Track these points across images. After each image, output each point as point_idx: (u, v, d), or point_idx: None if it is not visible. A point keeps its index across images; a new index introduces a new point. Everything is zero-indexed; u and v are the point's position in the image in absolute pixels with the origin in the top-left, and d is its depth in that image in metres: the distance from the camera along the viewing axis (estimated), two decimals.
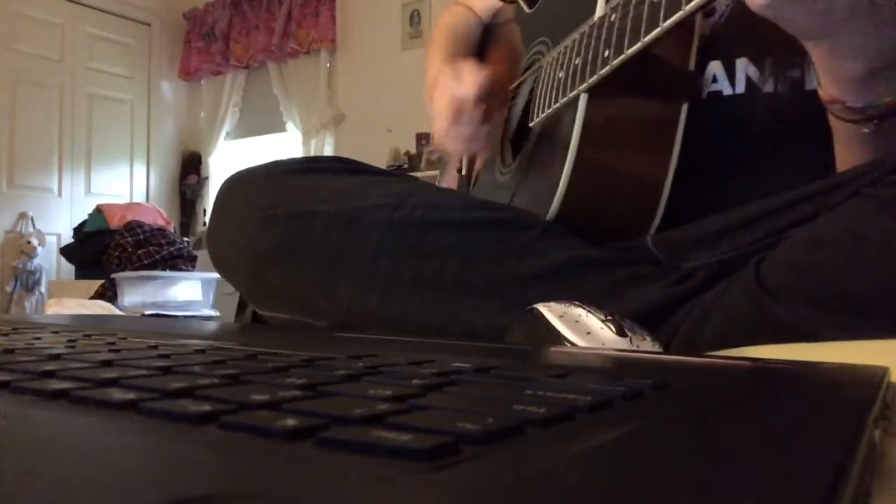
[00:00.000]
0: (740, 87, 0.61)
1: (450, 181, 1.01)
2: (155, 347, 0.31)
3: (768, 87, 0.60)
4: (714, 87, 0.62)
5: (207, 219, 0.77)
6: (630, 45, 0.54)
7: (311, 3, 4.02)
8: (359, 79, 3.92)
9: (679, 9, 0.49)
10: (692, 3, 0.48)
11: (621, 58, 0.56)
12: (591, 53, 0.60)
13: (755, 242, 0.52)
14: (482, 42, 0.99)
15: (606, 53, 0.57)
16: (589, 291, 0.54)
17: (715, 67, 0.62)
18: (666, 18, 0.51)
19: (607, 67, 0.57)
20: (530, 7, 0.83)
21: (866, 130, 0.49)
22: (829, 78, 0.48)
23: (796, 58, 0.59)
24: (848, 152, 0.53)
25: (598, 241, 0.61)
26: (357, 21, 3.94)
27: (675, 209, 0.61)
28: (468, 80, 0.74)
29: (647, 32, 0.53)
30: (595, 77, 0.59)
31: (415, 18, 3.71)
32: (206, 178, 4.52)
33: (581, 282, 0.56)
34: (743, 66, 0.61)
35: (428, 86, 0.88)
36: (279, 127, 4.25)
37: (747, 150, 0.61)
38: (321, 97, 4.03)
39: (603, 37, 0.58)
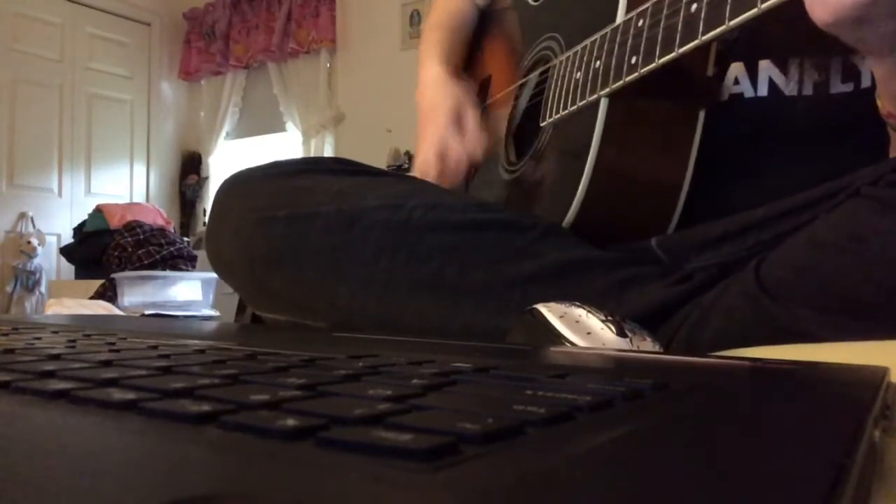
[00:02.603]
0: (763, 90, 0.60)
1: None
2: (155, 347, 0.31)
3: (791, 90, 0.60)
4: (736, 90, 0.61)
5: (207, 218, 0.77)
6: (662, 55, 0.54)
7: (311, 3, 4.02)
8: (359, 79, 3.92)
9: (722, 23, 0.48)
10: (736, 20, 0.47)
11: (651, 66, 0.55)
12: (614, 59, 0.59)
13: (757, 245, 0.52)
14: (479, 27, 0.98)
15: (633, 60, 0.57)
16: (589, 292, 0.54)
17: (737, 69, 0.61)
18: (706, 32, 0.49)
19: (634, 74, 0.56)
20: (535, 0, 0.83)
21: None
22: (885, 93, 0.48)
23: (821, 60, 0.58)
24: None
25: (614, 243, 0.61)
26: (357, 21, 3.94)
27: (696, 210, 0.61)
28: (460, 156, 0.80)
29: (683, 44, 0.52)
30: (620, 83, 0.58)
31: (415, 18, 3.71)
32: (206, 178, 4.52)
33: (581, 283, 0.56)
34: (766, 69, 0.60)
35: (420, 85, 0.89)
36: (279, 127, 4.25)
37: (769, 152, 0.61)
38: (321, 97, 4.03)
39: (629, 43, 0.57)
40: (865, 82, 0.57)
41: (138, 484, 0.12)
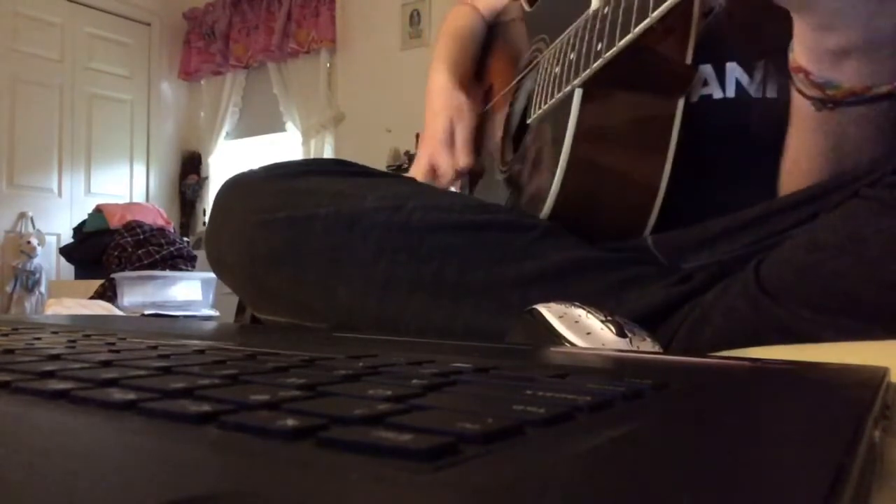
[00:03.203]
0: (730, 91, 0.61)
1: None
2: (155, 347, 0.31)
3: (757, 92, 0.60)
4: (705, 91, 0.62)
5: (207, 219, 0.78)
6: (621, 37, 0.54)
7: (311, 3, 4.02)
8: (359, 79, 3.92)
9: None
10: None
11: (613, 50, 0.55)
12: (584, 48, 0.60)
13: (755, 244, 0.52)
14: (487, 40, 0.99)
15: (599, 47, 0.57)
16: (589, 292, 0.54)
17: (706, 71, 0.62)
18: (655, 8, 0.50)
19: (600, 60, 0.57)
20: (530, 6, 0.83)
21: (814, 109, 0.49)
22: (802, 45, 0.48)
23: (783, 62, 0.59)
24: (796, 136, 0.53)
25: (593, 240, 0.61)
26: (357, 21, 3.94)
27: (673, 211, 0.61)
28: (447, 171, 0.87)
29: (638, 23, 0.52)
30: (588, 71, 0.58)
31: (415, 18, 3.71)
32: (206, 178, 4.53)
33: (581, 283, 0.56)
34: (732, 70, 0.61)
35: (427, 92, 0.93)
36: (279, 127, 4.25)
37: (737, 153, 0.61)
38: (321, 97, 4.03)
39: (596, 29, 0.58)
40: None
41: (138, 484, 0.12)
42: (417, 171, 0.89)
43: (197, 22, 4.55)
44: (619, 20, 0.55)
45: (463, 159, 0.86)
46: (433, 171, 0.88)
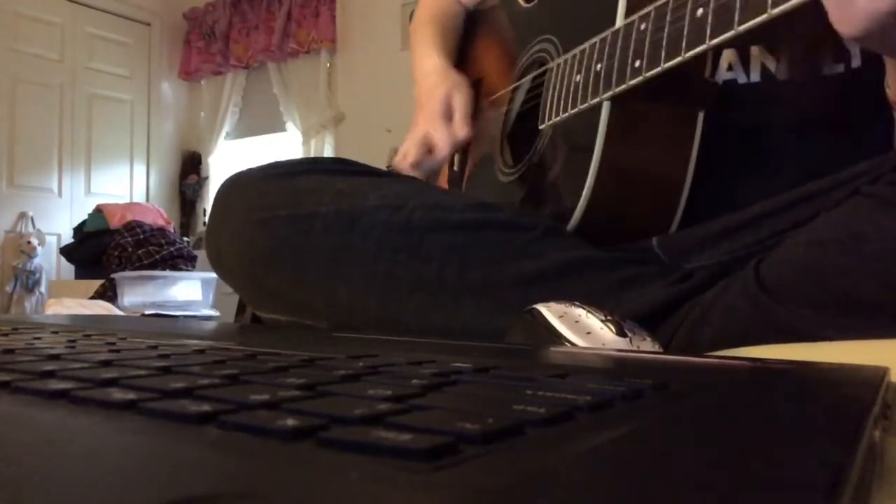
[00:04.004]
0: (755, 76, 0.60)
1: (441, 178, 1.00)
2: (155, 347, 0.31)
3: (783, 75, 0.60)
4: (729, 76, 0.61)
5: (207, 219, 0.77)
6: (668, 59, 0.53)
7: (311, 3, 4.02)
8: (359, 79, 3.92)
9: (731, 28, 0.48)
10: (745, 25, 0.47)
11: (656, 70, 0.55)
12: (616, 62, 0.59)
13: (756, 244, 0.52)
14: (467, 27, 0.99)
15: (637, 64, 0.57)
16: (589, 292, 0.54)
17: (729, 56, 0.61)
18: (714, 37, 0.49)
19: (639, 78, 0.56)
20: (528, 1, 0.83)
21: None
22: None
23: (811, 43, 0.58)
24: None
25: (618, 243, 0.61)
26: (357, 21, 3.94)
27: (695, 204, 0.61)
28: (444, 143, 0.82)
29: (690, 48, 0.51)
30: (623, 86, 0.58)
31: None
32: (206, 178, 4.52)
33: (581, 282, 0.56)
34: (757, 55, 0.60)
35: (420, 75, 0.91)
36: (279, 127, 4.24)
37: (764, 138, 0.61)
38: (321, 97, 4.03)
39: (632, 46, 0.57)
40: (856, 62, 0.57)
41: (138, 484, 0.12)
42: (412, 142, 0.85)
43: (197, 22, 4.55)
44: (665, 40, 0.54)
45: (462, 129, 0.83)
46: (427, 144, 0.84)
